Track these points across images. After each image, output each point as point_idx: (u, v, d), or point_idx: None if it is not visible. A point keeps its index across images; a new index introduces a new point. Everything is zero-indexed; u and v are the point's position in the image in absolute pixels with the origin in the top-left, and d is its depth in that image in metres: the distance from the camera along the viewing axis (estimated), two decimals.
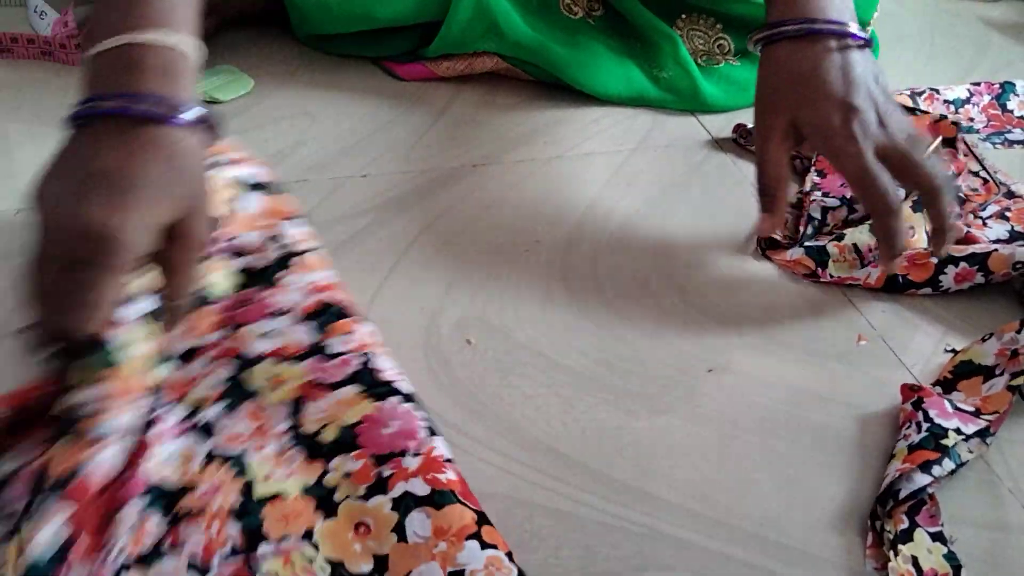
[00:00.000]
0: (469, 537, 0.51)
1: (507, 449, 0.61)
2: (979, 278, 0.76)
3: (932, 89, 1.04)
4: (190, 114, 0.53)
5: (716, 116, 0.97)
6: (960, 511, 0.61)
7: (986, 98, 1.05)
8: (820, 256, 0.77)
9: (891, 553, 0.57)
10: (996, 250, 0.76)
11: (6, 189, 0.75)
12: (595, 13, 0.99)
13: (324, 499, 0.54)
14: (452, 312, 0.70)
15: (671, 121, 0.96)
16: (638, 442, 0.63)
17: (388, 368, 0.60)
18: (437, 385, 0.65)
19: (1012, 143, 1.00)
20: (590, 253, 0.78)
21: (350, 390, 0.58)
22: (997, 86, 1.06)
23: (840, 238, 0.78)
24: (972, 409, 0.65)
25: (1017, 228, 0.82)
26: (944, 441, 0.61)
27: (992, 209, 0.85)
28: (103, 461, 0.50)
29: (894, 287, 0.77)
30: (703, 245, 0.81)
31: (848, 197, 0.82)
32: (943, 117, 0.91)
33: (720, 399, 0.67)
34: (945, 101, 1.04)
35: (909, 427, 0.64)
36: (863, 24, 0.96)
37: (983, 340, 0.71)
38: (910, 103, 1.02)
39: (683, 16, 0.97)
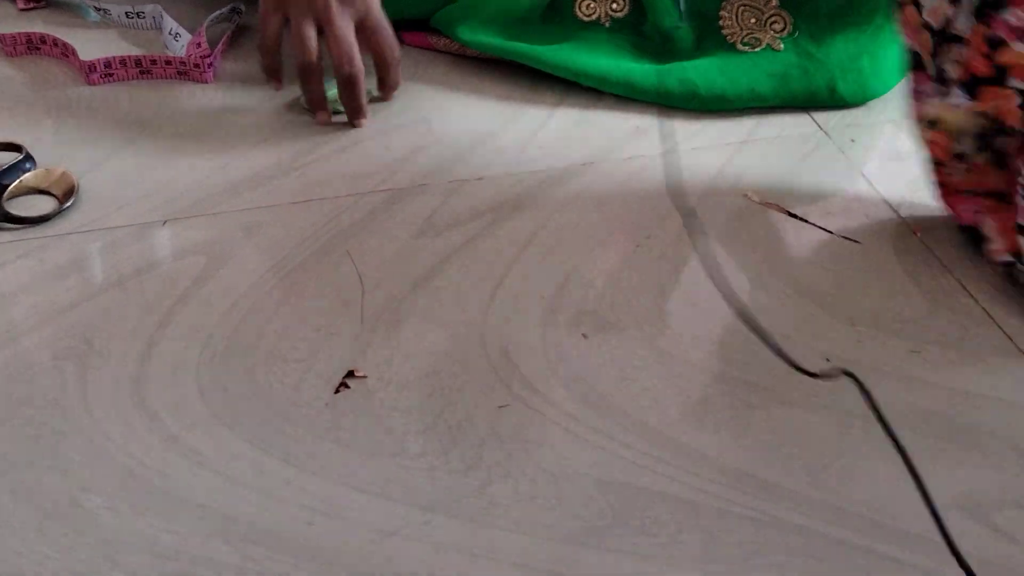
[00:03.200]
0: None
1: (626, 439, 0.64)
2: None
3: None
4: None
5: (824, 111, 0.97)
6: None
7: None
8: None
9: None
10: None
11: (150, 204, 0.81)
12: (616, 14, 1.00)
13: None
14: (568, 308, 0.73)
15: (778, 114, 0.96)
16: (755, 431, 0.65)
17: None
18: (556, 378, 0.68)
19: None
20: (702, 245, 0.80)
21: None
22: None
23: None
24: None
25: None
26: None
27: None
28: None
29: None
30: (814, 237, 0.82)
31: None
32: None
33: (836, 389, 0.68)
34: None
35: None
36: None
37: None
38: None
39: None
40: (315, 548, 0.56)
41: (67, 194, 0.80)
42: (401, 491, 0.60)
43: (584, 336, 0.71)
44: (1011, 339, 0.73)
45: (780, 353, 0.64)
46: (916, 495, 0.61)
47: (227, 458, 0.61)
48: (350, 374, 0.67)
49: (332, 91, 0.92)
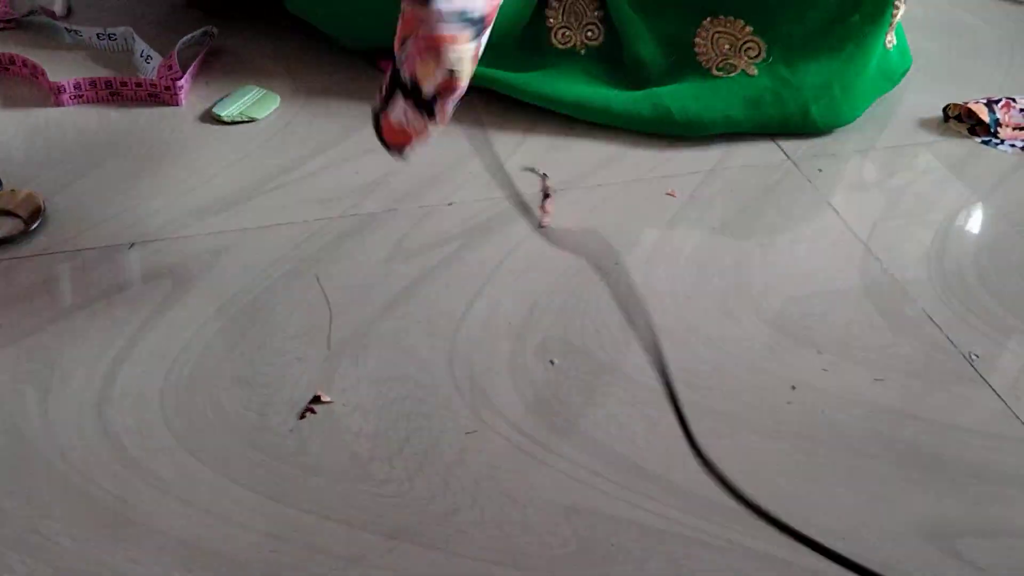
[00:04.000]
0: None
1: (593, 465, 0.64)
2: None
3: (1009, 98, 1.04)
4: None
5: (794, 138, 0.98)
6: None
7: None
8: None
9: None
10: None
11: (117, 226, 0.80)
12: (591, 42, 1.01)
13: None
14: (536, 334, 0.73)
15: (746, 144, 0.97)
16: (721, 458, 0.65)
17: None
18: (523, 404, 0.68)
19: None
20: (669, 273, 0.80)
21: None
22: None
23: None
24: None
25: None
26: None
27: None
28: None
29: None
30: (780, 264, 0.82)
31: None
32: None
33: (801, 416, 0.68)
34: (1022, 110, 1.03)
35: None
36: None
37: None
38: (986, 111, 1.01)
39: (709, 19, 0.99)
40: (277, 575, 0.56)
41: (33, 215, 0.79)
42: (366, 517, 0.59)
43: (552, 362, 0.71)
44: (973, 367, 0.73)
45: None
46: (882, 522, 0.61)
47: (189, 484, 0.60)
48: (316, 399, 0.66)
49: (239, 103, 0.93)
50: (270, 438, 0.64)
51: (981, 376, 0.73)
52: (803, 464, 0.65)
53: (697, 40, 1.00)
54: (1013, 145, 1.01)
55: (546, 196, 0.87)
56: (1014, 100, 1.04)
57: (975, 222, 0.90)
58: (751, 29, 0.98)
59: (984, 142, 1.01)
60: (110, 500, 0.59)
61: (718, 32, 0.99)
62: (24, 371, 0.67)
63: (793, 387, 0.71)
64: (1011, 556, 0.60)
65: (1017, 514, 0.63)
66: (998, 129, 1.02)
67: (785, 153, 0.97)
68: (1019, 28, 1.26)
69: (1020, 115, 1.03)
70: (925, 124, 1.04)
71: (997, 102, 1.03)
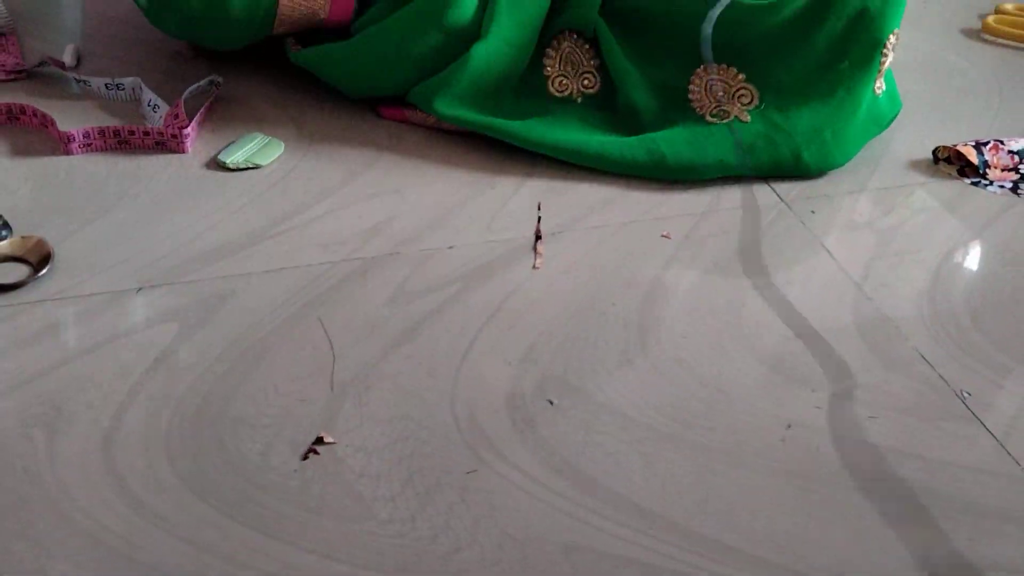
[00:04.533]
0: None
1: (591, 504, 0.65)
2: None
3: (997, 140, 1.06)
4: None
5: (787, 181, 1.01)
6: None
7: None
8: None
9: None
10: None
11: (124, 271, 0.82)
12: (588, 90, 1.04)
13: None
14: (534, 374, 0.75)
15: (740, 186, 0.99)
16: (717, 496, 0.66)
17: None
18: (522, 442, 0.69)
19: None
20: (665, 313, 0.82)
21: None
22: None
23: None
24: None
25: None
26: None
27: None
28: None
29: None
30: (773, 304, 0.84)
31: None
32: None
33: (796, 454, 0.70)
34: (1010, 151, 1.05)
35: None
36: (881, 41, 1.00)
37: None
38: (975, 153, 1.04)
39: (702, 67, 1.01)
40: None
41: (42, 261, 0.81)
42: (369, 557, 0.60)
43: (550, 402, 0.73)
44: (966, 405, 0.75)
45: None
46: (874, 559, 0.62)
47: (194, 524, 0.61)
48: (319, 440, 0.67)
49: (244, 150, 0.95)
50: (274, 478, 0.65)
51: (973, 414, 0.74)
52: (797, 501, 0.66)
53: (691, 87, 1.02)
54: (1002, 186, 1.03)
55: (538, 238, 0.89)
56: (1002, 142, 1.06)
57: (966, 262, 0.92)
58: (744, 76, 1.01)
59: (974, 183, 1.03)
60: (116, 541, 0.60)
61: (712, 79, 1.02)
62: (32, 414, 0.68)
63: (789, 426, 0.72)
64: None
65: (1009, 550, 0.64)
66: (987, 170, 1.04)
67: (778, 195, 0.99)
68: (1007, 71, 1.29)
69: (1008, 156, 1.05)
70: (915, 166, 1.06)
71: (985, 144, 1.06)
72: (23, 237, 0.83)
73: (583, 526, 0.63)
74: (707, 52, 0.99)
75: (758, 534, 0.64)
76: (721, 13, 0.99)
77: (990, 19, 1.40)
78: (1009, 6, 1.44)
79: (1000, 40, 1.38)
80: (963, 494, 0.67)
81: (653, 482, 0.67)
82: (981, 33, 1.40)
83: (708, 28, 0.99)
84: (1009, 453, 0.71)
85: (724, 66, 1.01)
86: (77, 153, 0.96)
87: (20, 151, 0.97)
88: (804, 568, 0.61)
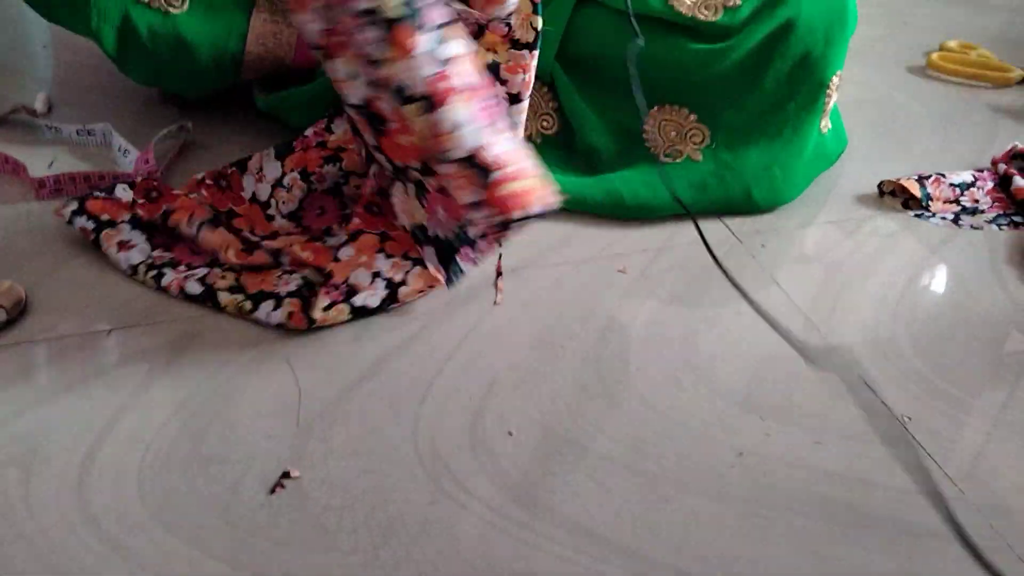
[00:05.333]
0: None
1: (548, 532, 0.67)
2: None
3: (939, 173, 1.11)
4: None
5: (738, 217, 1.05)
6: None
7: (990, 183, 1.12)
8: None
9: None
10: None
11: (96, 313, 0.84)
12: (547, 132, 1.08)
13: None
14: (495, 406, 0.78)
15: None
16: (669, 522, 0.69)
17: None
18: (483, 473, 0.72)
19: (1017, 225, 1.06)
20: (621, 346, 0.85)
21: None
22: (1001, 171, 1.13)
23: None
24: None
25: None
26: None
27: None
28: None
29: None
30: (725, 336, 0.87)
31: None
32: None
33: (744, 480, 0.73)
34: (951, 184, 1.10)
35: None
36: (825, 82, 1.05)
37: None
38: (917, 186, 1.08)
39: (656, 108, 1.06)
40: None
41: (15, 305, 0.83)
42: None
43: (510, 433, 0.75)
44: (906, 429, 0.78)
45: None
46: None
47: (165, 559, 0.63)
48: (286, 475, 0.70)
49: None
50: (243, 512, 0.67)
51: (913, 438, 0.78)
52: (745, 525, 0.69)
53: (646, 128, 1.06)
54: (944, 217, 1.08)
55: (499, 275, 0.92)
56: (943, 175, 1.11)
57: (908, 292, 0.96)
58: (695, 117, 1.05)
59: (917, 215, 1.08)
60: None
61: (665, 120, 1.06)
62: (7, 454, 0.70)
63: (740, 453, 0.75)
64: None
65: (945, 566, 0.67)
66: (929, 203, 1.09)
67: (730, 230, 1.03)
68: (951, 106, 1.35)
69: (950, 189, 1.10)
70: (862, 200, 1.10)
71: (928, 178, 1.10)
72: None
73: (539, 554, 0.66)
74: (638, 93, 1.03)
75: (709, 558, 0.67)
76: (644, 51, 1.02)
77: (934, 56, 1.46)
78: (953, 43, 1.51)
79: (944, 77, 1.44)
80: (902, 514, 0.71)
81: (607, 509, 0.70)
82: (926, 70, 1.45)
83: (632, 67, 1.03)
84: (947, 474, 0.75)
85: (676, 107, 1.05)
86: (48, 198, 0.99)
87: None
88: None
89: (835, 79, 1.06)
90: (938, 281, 0.97)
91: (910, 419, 0.79)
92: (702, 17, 1.01)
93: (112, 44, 1.03)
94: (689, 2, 1.01)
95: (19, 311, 0.83)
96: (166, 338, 0.82)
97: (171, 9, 1.02)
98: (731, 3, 1.02)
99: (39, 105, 1.14)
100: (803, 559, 0.67)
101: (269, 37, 1.06)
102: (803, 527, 0.70)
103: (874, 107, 1.32)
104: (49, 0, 1.02)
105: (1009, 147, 1.17)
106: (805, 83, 1.04)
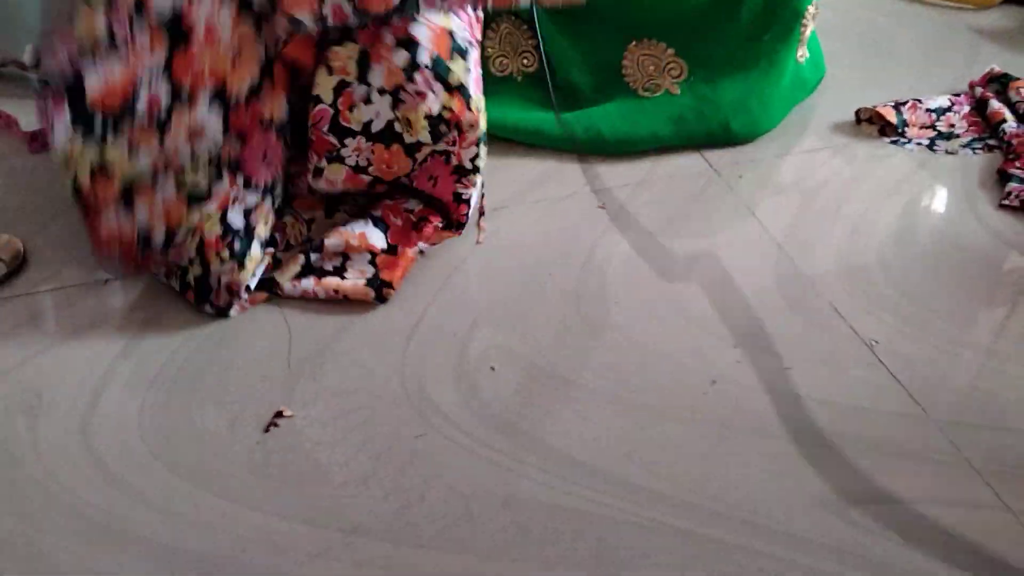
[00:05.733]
0: None
1: (529, 459, 0.71)
2: None
3: (915, 99, 1.12)
4: None
5: (717, 149, 1.07)
6: None
7: (967, 107, 1.13)
8: None
9: None
10: None
11: (93, 263, 0.87)
12: (527, 69, 1.09)
13: None
14: (478, 343, 0.81)
15: (672, 156, 1.06)
16: (644, 447, 0.73)
17: None
18: (467, 407, 0.75)
19: (991, 148, 1.07)
20: (600, 281, 0.88)
21: None
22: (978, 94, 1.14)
23: None
24: None
25: None
26: None
27: None
28: None
29: None
30: (702, 268, 0.90)
31: None
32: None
33: (716, 406, 0.76)
34: (927, 110, 1.12)
35: None
36: (800, 12, 1.06)
37: None
38: (893, 112, 1.10)
39: (634, 43, 1.07)
40: (249, 572, 0.63)
41: (14, 258, 0.86)
42: (326, 517, 0.67)
43: (492, 368, 0.79)
44: (873, 352, 0.82)
45: None
46: (785, 496, 0.69)
47: (167, 495, 0.68)
48: (279, 414, 0.74)
49: None
50: (239, 451, 0.71)
51: (880, 360, 0.81)
52: (716, 448, 0.73)
53: (624, 63, 1.07)
54: (920, 143, 1.09)
55: (481, 214, 0.95)
56: (920, 101, 1.13)
57: (881, 218, 0.98)
58: (673, 51, 1.06)
59: (893, 142, 1.10)
60: (97, 514, 0.66)
61: (643, 55, 1.07)
62: (15, 401, 0.74)
63: (713, 381, 0.79)
64: (895, 520, 0.68)
65: (903, 482, 0.71)
66: (905, 129, 1.10)
67: (708, 163, 1.05)
68: (932, 30, 1.35)
69: (926, 115, 1.12)
70: (839, 128, 1.12)
71: (904, 104, 1.12)
72: None
73: (521, 479, 0.70)
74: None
75: (680, 479, 0.70)
76: None
77: None
78: None
79: (928, 0, 1.44)
80: (866, 434, 0.74)
81: (586, 436, 0.73)
82: None
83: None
84: (910, 394, 0.78)
85: (654, 41, 1.06)
86: (41, 152, 1.01)
87: None
88: (721, 507, 0.68)
89: (811, 8, 1.07)
90: (911, 207, 1.00)
91: (877, 343, 0.83)
92: None
93: None
94: None
95: (18, 264, 0.86)
96: (163, 285, 0.85)
97: None
98: None
99: (27, 57, 1.15)
100: (769, 477, 0.71)
101: None
102: (770, 448, 0.73)
103: (856, 33, 1.33)
104: None
105: (986, 70, 1.18)
106: (780, 15, 1.05)
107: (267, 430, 0.73)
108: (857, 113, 1.13)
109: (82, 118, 0.74)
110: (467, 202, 0.89)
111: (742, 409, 0.76)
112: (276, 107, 0.80)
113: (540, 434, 0.73)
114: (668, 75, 1.07)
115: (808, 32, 1.10)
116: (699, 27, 1.05)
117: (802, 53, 1.11)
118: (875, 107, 1.11)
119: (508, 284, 0.88)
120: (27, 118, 1.04)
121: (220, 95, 0.76)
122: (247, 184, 0.81)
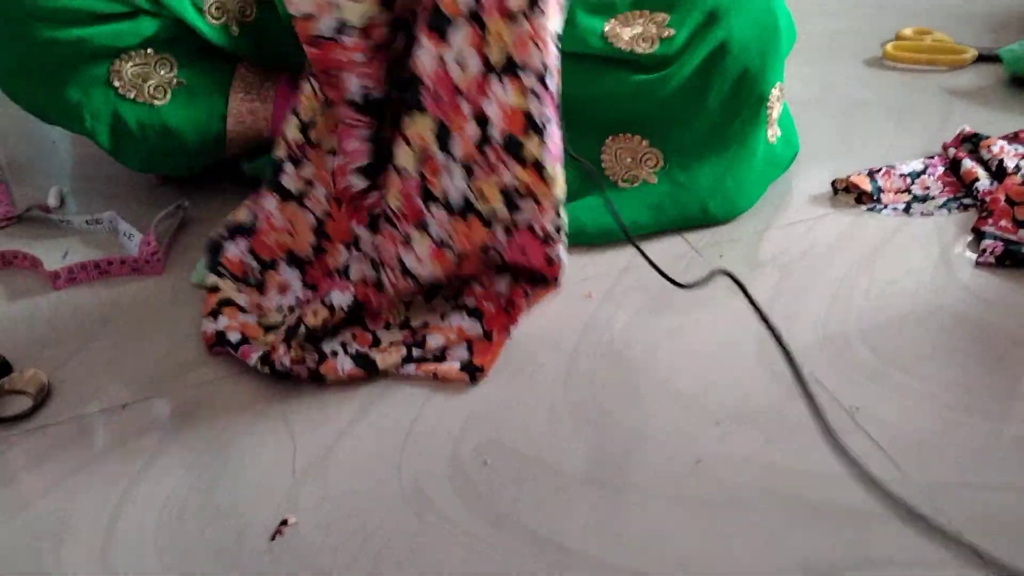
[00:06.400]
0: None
1: (522, 549, 0.75)
2: None
3: (888, 166, 1.17)
4: None
5: (698, 230, 1.12)
6: None
7: (941, 168, 1.17)
8: None
9: None
10: None
11: (114, 390, 0.94)
12: None
13: None
14: (472, 440, 0.85)
15: (654, 241, 1.10)
16: (632, 528, 0.76)
17: None
18: (463, 502, 0.79)
19: (967, 207, 1.11)
20: (587, 368, 0.92)
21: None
22: (950, 156, 1.18)
23: None
24: None
25: None
26: None
27: None
28: None
29: None
30: (686, 347, 0.94)
31: None
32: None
33: (700, 483, 0.79)
34: (901, 174, 1.16)
35: None
36: (765, 96, 1.11)
37: None
38: (867, 180, 1.14)
39: (611, 137, 1.13)
40: None
41: (39, 392, 0.92)
42: None
43: (485, 463, 0.83)
44: (854, 420, 0.84)
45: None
46: (771, 566, 0.72)
47: None
48: (284, 522, 0.78)
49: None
50: (248, 560, 0.75)
51: (861, 427, 0.84)
52: (702, 525, 0.76)
53: (603, 157, 1.13)
54: (896, 208, 1.13)
55: None
56: (893, 167, 1.17)
57: (858, 285, 1.02)
58: (647, 142, 1.12)
59: (870, 209, 1.14)
60: None
61: (620, 148, 1.13)
62: (41, 529, 0.79)
63: (698, 461, 0.82)
64: None
65: (887, 547, 0.73)
66: (881, 195, 1.14)
67: (689, 244, 1.09)
68: (905, 95, 1.40)
69: (900, 179, 1.16)
70: (816, 200, 1.16)
71: (878, 171, 1.16)
72: (20, 371, 0.95)
73: (516, 570, 0.73)
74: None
75: (668, 559, 0.73)
76: (591, 88, 1.10)
77: (889, 47, 1.51)
78: (908, 31, 1.56)
79: (900, 66, 1.49)
80: (849, 501, 0.77)
81: (575, 521, 0.77)
82: (883, 61, 1.50)
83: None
84: (891, 459, 0.81)
85: (629, 135, 1.12)
86: (63, 288, 1.08)
87: (14, 293, 1.09)
88: None
89: (775, 91, 1.13)
90: (888, 272, 1.03)
91: (858, 409, 0.85)
92: (640, 50, 1.08)
93: (106, 140, 1.12)
94: (627, 37, 1.09)
95: (43, 396, 0.92)
96: (174, 406, 0.91)
97: (155, 102, 1.11)
98: (665, 34, 1.09)
99: (51, 199, 1.24)
100: (754, 549, 0.74)
101: (246, 115, 1.15)
102: (754, 521, 0.76)
103: (828, 105, 1.38)
104: (45, 106, 1.12)
105: (958, 131, 1.22)
106: (746, 99, 1.10)
107: (273, 538, 0.77)
108: (833, 184, 1.17)
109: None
110: (559, 260, 0.95)
111: (725, 485, 0.79)
112: None
113: (531, 524, 0.77)
114: (645, 165, 1.12)
115: (776, 112, 1.15)
116: (670, 117, 1.11)
117: (773, 132, 1.17)
118: (849, 177, 1.15)
119: (498, 378, 0.92)
120: (50, 257, 1.12)
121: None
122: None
